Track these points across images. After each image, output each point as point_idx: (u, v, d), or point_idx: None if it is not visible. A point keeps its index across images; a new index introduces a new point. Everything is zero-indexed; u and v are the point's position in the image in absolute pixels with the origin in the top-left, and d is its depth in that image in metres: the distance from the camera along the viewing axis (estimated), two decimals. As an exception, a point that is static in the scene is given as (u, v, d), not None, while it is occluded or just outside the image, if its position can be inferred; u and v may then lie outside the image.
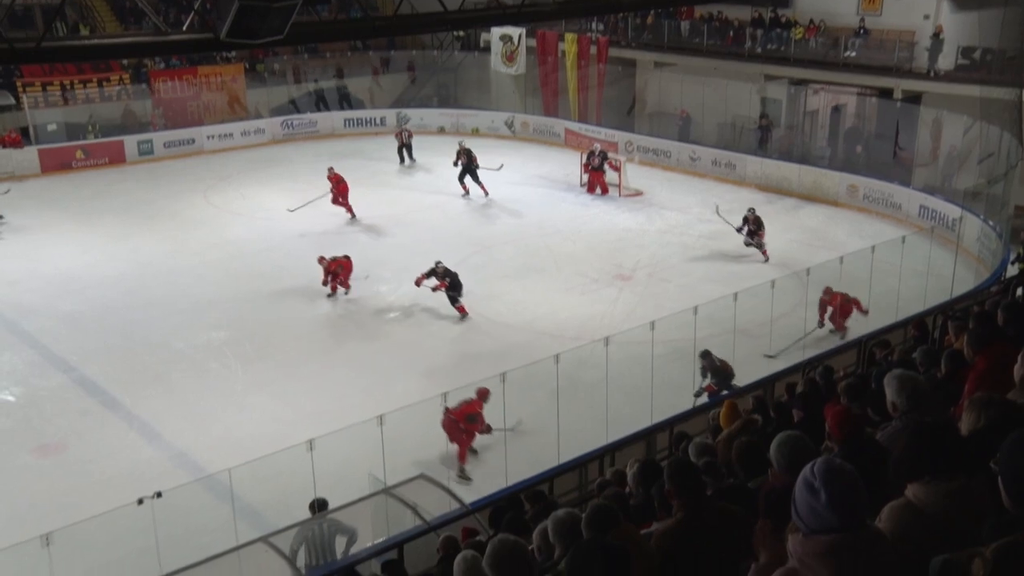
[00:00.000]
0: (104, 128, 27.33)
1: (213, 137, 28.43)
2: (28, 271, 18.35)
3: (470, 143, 23.81)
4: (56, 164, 25.82)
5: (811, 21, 24.76)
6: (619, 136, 26.90)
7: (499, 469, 10.68)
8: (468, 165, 22.77)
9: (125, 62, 28.74)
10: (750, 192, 23.43)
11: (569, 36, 28.44)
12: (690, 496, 4.08)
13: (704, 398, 12.32)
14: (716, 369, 12.42)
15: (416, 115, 30.37)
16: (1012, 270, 15.80)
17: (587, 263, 18.61)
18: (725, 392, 11.88)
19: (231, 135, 28.71)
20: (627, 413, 12.11)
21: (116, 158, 26.80)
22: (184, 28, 11.30)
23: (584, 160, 23.81)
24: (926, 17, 22.61)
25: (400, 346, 15.11)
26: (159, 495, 8.78)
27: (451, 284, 15.66)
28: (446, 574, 5.11)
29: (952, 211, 19.16)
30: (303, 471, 9.65)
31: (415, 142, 26.36)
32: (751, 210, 18.51)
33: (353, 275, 16.88)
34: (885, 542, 2.53)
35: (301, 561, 8.50)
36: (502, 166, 23.10)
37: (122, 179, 25.36)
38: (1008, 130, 18.86)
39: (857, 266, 15.09)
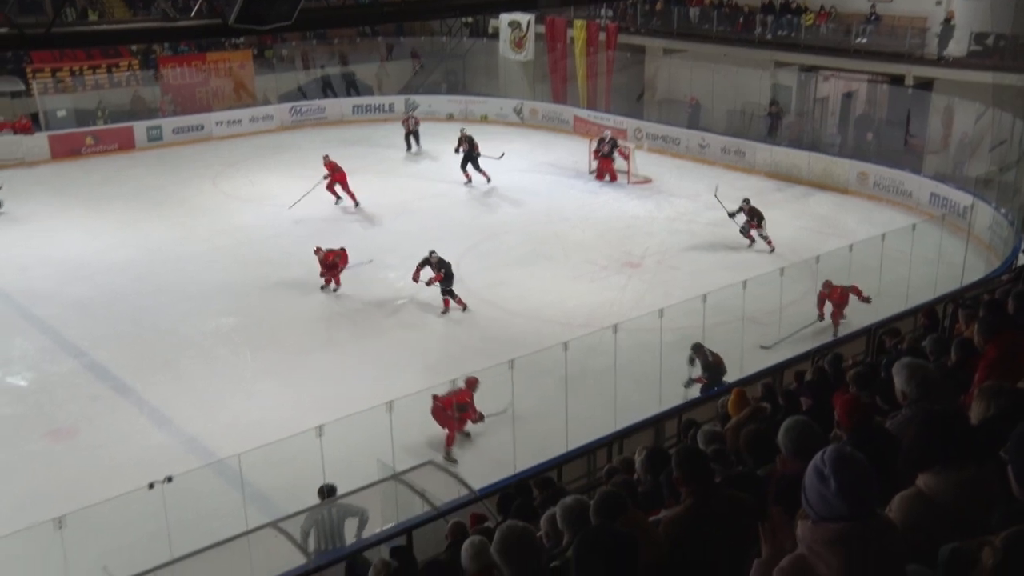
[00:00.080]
0: (113, 114, 27.39)
1: (222, 123, 28.45)
2: (39, 257, 18.43)
3: (474, 130, 23.77)
4: (66, 150, 25.88)
5: (822, 7, 24.60)
6: (628, 123, 26.81)
7: (508, 456, 10.70)
8: (470, 152, 22.73)
9: (134, 48, 28.76)
10: (759, 179, 23.36)
11: (578, 23, 28.31)
12: (698, 484, 4.09)
13: (696, 391, 12.24)
14: (708, 364, 12.29)
15: (424, 102, 30.31)
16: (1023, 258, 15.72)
17: (596, 250, 18.59)
18: (715, 388, 11.77)
19: (239, 121, 28.73)
20: (635, 400, 12.13)
21: (125, 144, 26.86)
22: (192, 14, 11.28)
23: (594, 147, 23.75)
24: (938, 3, 22.45)
25: (408, 332, 15.14)
26: (169, 480, 8.84)
27: (445, 275, 15.53)
28: (454, 560, 5.13)
29: (963, 199, 19.05)
30: (312, 457, 9.71)
31: (422, 129, 26.31)
32: (746, 200, 18.40)
33: (357, 259, 16.78)
34: (895, 531, 2.53)
35: (311, 546, 8.56)
36: (504, 154, 23.06)
37: (131, 165, 25.42)
38: (1021, 117, 18.73)
39: (867, 254, 15.03)
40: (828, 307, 14.37)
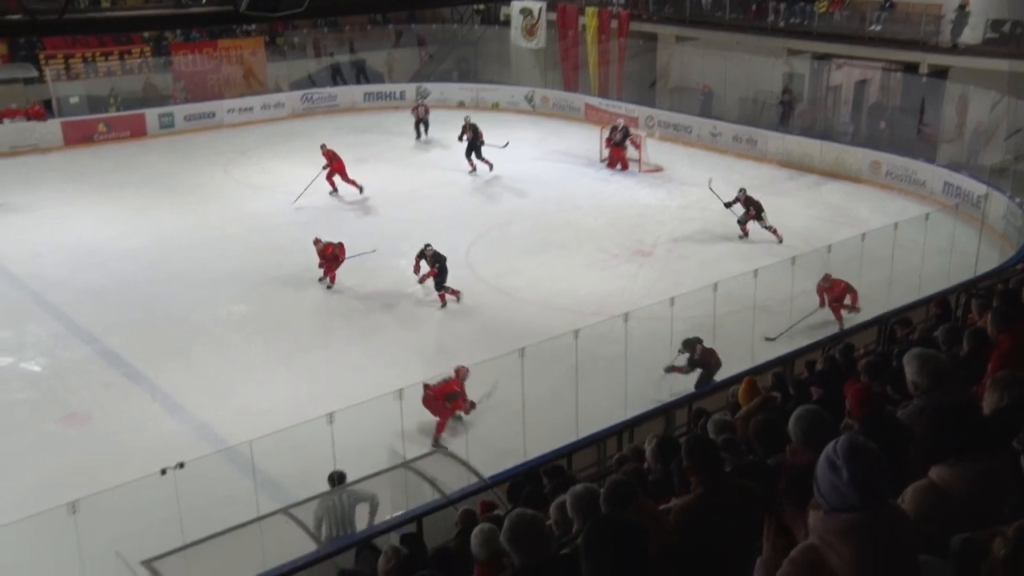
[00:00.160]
0: (125, 101, 27.47)
1: (233, 111, 28.49)
2: (51, 244, 18.53)
3: (485, 118, 23.73)
4: (79, 137, 25.97)
5: (836, -6, 24.41)
6: (640, 111, 26.70)
7: (518, 444, 10.72)
8: (473, 141, 22.69)
9: (146, 35, 28.82)
10: (771, 168, 23.25)
11: (590, 10, 28.18)
12: (708, 473, 4.09)
13: (691, 387, 12.15)
14: (694, 360, 12.18)
15: (436, 89, 30.25)
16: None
17: (607, 239, 18.55)
18: (705, 386, 11.68)
19: (251, 109, 28.76)
20: (646, 389, 12.15)
21: (137, 131, 26.93)
22: (204, 1, 11.29)
23: (606, 135, 23.67)
24: (953, -11, 22.24)
25: (419, 320, 15.16)
26: (181, 466, 8.90)
27: (439, 270, 15.34)
28: (464, 547, 5.15)
29: (977, 188, 18.91)
30: (323, 444, 9.75)
31: (432, 117, 26.25)
32: (742, 190, 18.28)
33: (359, 250, 16.53)
34: (907, 521, 2.52)
35: (323, 534, 8.61)
36: (508, 143, 23.02)
37: (143, 152, 25.49)
38: (1037, 105, 18.58)
39: (879, 243, 14.95)
40: (825, 299, 14.28)
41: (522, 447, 10.57)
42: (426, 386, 11.61)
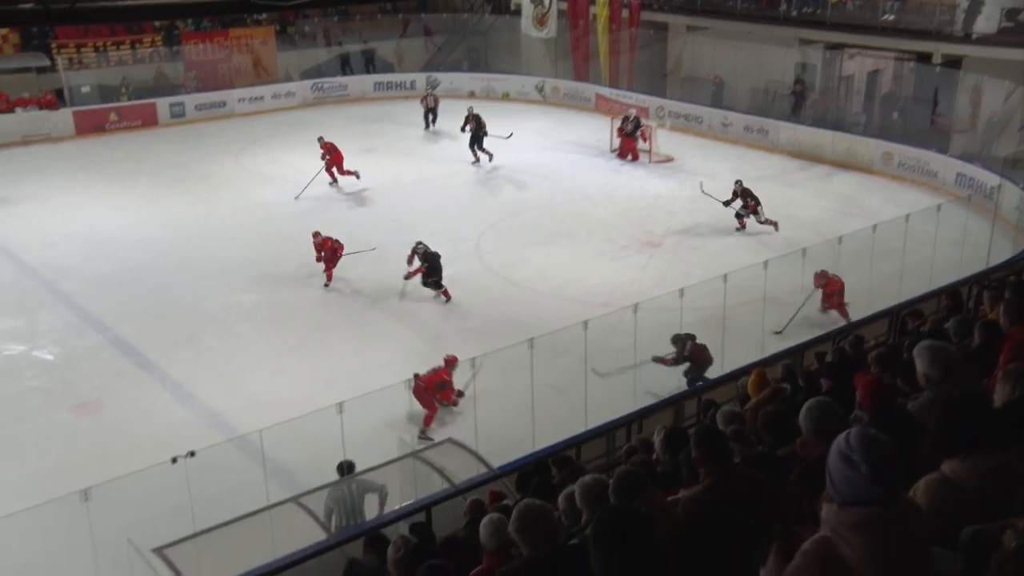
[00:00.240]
0: (136, 90, 27.55)
1: (244, 100, 28.53)
2: (64, 233, 18.61)
3: (496, 108, 23.70)
4: (90, 126, 26.06)
5: (849, -17, 24.24)
6: (650, 101, 26.61)
7: (527, 434, 10.74)
8: (476, 131, 22.66)
9: (157, 24, 28.87)
10: (782, 159, 23.16)
11: (600, -1, 28.10)
12: (717, 464, 4.09)
13: (687, 382, 12.16)
14: (681, 356, 12.09)
15: (446, 79, 30.20)
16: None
17: (617, 229, 18.52)
18: (697, 384, 11.62)
19: (262, 98, 28.79)
20: (655, 380, 12.13)
21: (149, 120, 27.00)
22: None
23: (618, 125, 23.60)
24: (968, -21, 22.04)
25: (428, 311, 15.17)
26: (192, 454, 8.94)
27: (429, 268, 15.15)
28: (473, 536, 5.17)
29: (990, 179, 18.79)
30: (333, 433, 9.78)
31: (443, 107, 26.20)
32: (738, 183, 18.16)
33: (359, 248, 16.27)
34: (920, 514, 2.51)
35: (333, 524, 8.65)
36: (512, 134, 22.98)
37: (154, 141, 25.56)
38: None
39: (891, 235, 14.87)
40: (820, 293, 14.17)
41: (531, 437, 10.59)
42: (417, 376, 11.69)
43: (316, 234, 16.10)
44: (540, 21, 29.67)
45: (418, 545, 5.53)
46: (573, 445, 9.64)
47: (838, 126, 23.45)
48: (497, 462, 9.07)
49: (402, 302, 15.48)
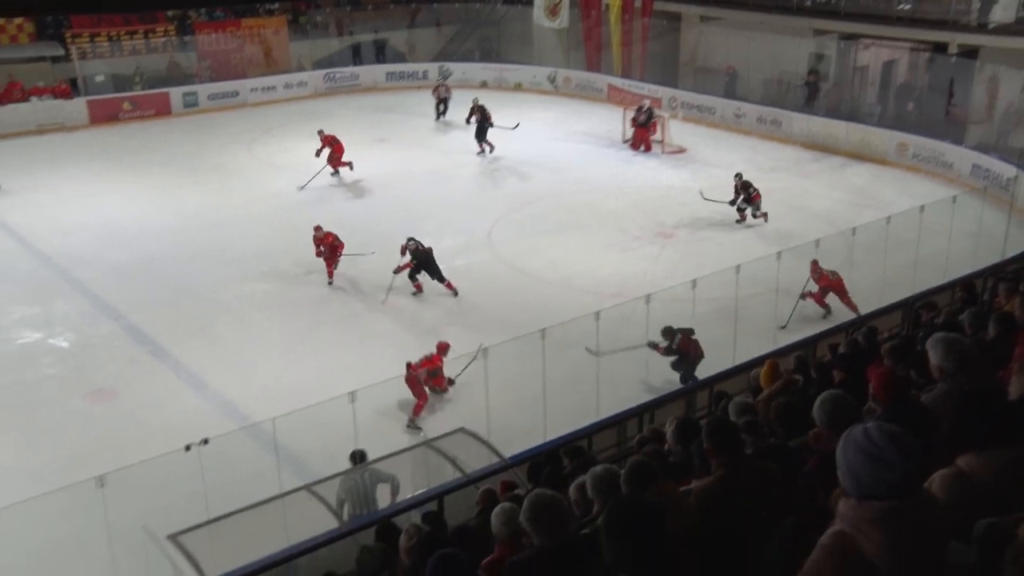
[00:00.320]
0: (150, 80, 27.64)
1: (256, 90, 28.58)
2: (78, 222, 18.72)
3: (501, 98, 23.64)
4: (104, 115, 26.17)
5: (864, -27, 24.03)
6: (663, 92, 26.48)
7: (538, 424, 10.76)
8: (482, 122, 22.62)
9: (170, 13, 28.93)
10: (795, 150, 23.04)
11: (613, -11, 27.96)
12: (729, 455, 4.09)
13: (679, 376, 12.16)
14: (670, 348, 12.03)
15: (458, 69, 30.16)
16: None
17: (629, 220, 18.48)
18: (691, 382, 11.58)
19: (274, 88, 28.83)
20: (667, 371, 12.13)
21: (162, 110, 27.09)
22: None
23: (632, 115, 23.53)
24: (985, -33, 21.84)
25: (440, 301, 15.19)
26: (206, 442, 9.01)
27: (418, 265, 15.07)
28: (484, 526, 5.19)
29: (1007, 170, 18.64)
30: (345, 422, 9.83)
31: (455, 97, 26.11)
32: (738, 176, 18.04)
33: (358, 251, 15.88)
34: (937, 506, 2.49)
35: (346, 514, 8.69)
36: (518, 124, 22.94)
37: (168, 131, 25.65)
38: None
39: (905, 227, 14.79)
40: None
41: (542, 427, 10.61)
42: (409, 365, 11.76)
43: (318, 228, 15.84)
44: (552, 11, 29.55)
45: (430, 533, 5.57)
46: (585, 435, 9.66)
47: (852, 117, 23.30)
48: (508, 452, 9.10)
49: (414, 294, 15.49)
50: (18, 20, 27.01)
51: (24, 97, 25.50)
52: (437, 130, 25.57)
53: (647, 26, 27.78)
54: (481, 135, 22.67)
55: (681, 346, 12.02)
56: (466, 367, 11.90)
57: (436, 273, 15.17)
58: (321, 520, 8.11)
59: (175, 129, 25.83)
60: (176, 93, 27.43)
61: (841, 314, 13.60)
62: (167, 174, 21.82)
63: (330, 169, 20.73)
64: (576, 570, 3.48)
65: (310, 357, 13.35)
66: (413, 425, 11.60)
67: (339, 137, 20.80)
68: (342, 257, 15.78)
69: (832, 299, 13.97)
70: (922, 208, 14.85)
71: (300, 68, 30.10)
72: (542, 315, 13.03)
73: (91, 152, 23.69)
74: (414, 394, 11.81)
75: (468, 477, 8.45)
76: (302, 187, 20.30)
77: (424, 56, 31.68)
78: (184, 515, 8.21)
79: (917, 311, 10.42)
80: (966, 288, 10.62)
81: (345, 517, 8.56)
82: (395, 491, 8.99)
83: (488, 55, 32.10)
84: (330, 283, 15.70)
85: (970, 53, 22.15)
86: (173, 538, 7.61)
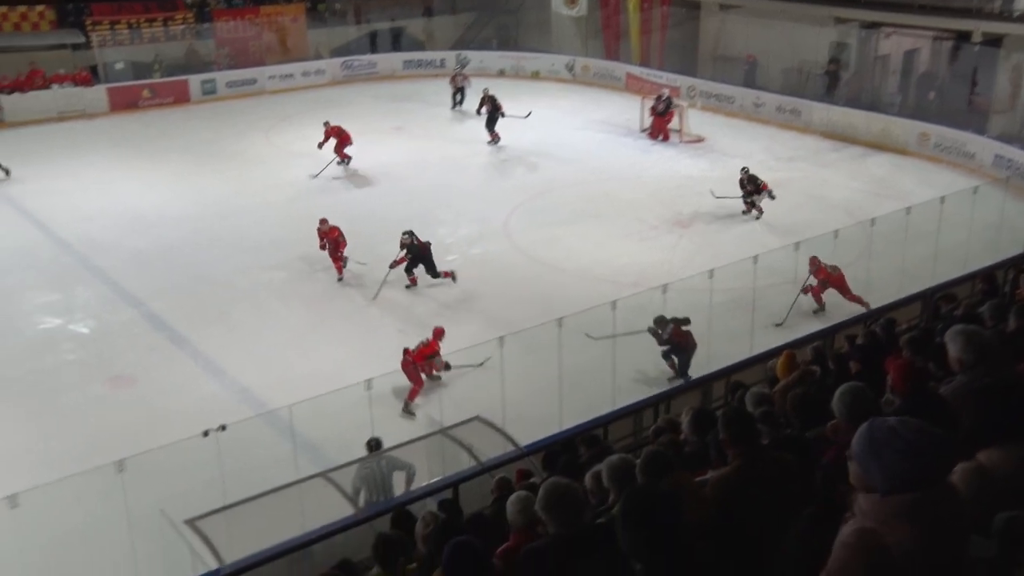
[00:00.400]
0: (169, 67, 27.77)
1: (274, 77, 28.66)
2: (99, 208, 18.84)
3: (519, 87, 23.59)
4: (124, 103, 26.33)
5: (887, -40, 23.76)
6: (682, 81, 26.34)
7: (555, 413, 10.76)
8: (492, 113, 22.58)
9: (189, 1, 29.02)
10: (815, 139, 22.88)
11: (632, -24, 27.79)
12: (745, 445, 4.08)
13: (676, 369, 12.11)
14: (666, 339, 11.99)
15: (476, 57, 30.10)
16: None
17: (646, 209, 18.42)
18: (686, 380, 11.52)
19: (292, 75, 28.89)
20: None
21: (181, 97, 27.21)
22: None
23: (651, 104, 23.41)
24: (1010, -45, 21.54)
25: (457, 289, 15.20)
26: (223, 428, 9.07)
27: (413, 259, 14.97)
28: (500, 514, 5.20)
29: (1029, 161, 18.46)
30: (361, 410, 9.87)
31: (472, 86, 26.05)
32: (744, 170, 17.88)
33: (354, 259, 15.53)
34: (960, 498, 2.45)
35: (362, 500, 8.74)
36: (530, 113, 22.88)
37: (186, 118, 25.76)
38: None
39: (925, 217, 14.66)
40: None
41: (558, 416, 10.61)
42: (406, 351, 11.83)
43: (323, 221, 15.62)
44: (571, -1, 29.44)
45: (446, 521, 5.59)
46: (601, 424, 9.66)
47: (873, 106, 23.09)
48: (524, 440, 9.11)
49: (429, 281, 15.50)
50: (39, 8, 27.17)
51: (45, 84, 25.68)
52: (453, 119, 25.54)
53: (666, 14, 27.62)
54: (491, 125, 22.63)
55: (673, 336, 11.97)
56: (466, 366, 11.90)
57: (431, 268, 15.06)
58: (337, 507, 8.16)
59: (193, 116, 25.95)
60: (195, 80, 27.54)
61: (836, 312, 13.39)
62: (186, 161, 21.93)
63: (337, 159, 20.75)
64: (591, 559, 3.48)
65: (327, 344, 13.41)
66: (408, 410, 11.67)
67: (347, 128, 20.72)
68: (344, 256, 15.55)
69: (833, 299, 13.81)
70: (943, 199, 14.71)
71: (318, 56, 30.15)
72: (559, 304, 13.02)
73: (111, 139, 23.84)
74: (409, 379, 11.87)
75: (483, 465, 8.47)
76: (315, 176, 20.34)
77: (442, 44, 31.63)
78: (201, 500, 8.28)
79: (936, 302, 10.35)
80: (986, 280, 10.53)
81: (361, 504, 8.60)
82: (411, 479, 9.03)
83: (506, 43, 32.01)
84: (340, 279, 15.55)
85: (994, 41, 21.87)
86: (191, 523, 7.68)
